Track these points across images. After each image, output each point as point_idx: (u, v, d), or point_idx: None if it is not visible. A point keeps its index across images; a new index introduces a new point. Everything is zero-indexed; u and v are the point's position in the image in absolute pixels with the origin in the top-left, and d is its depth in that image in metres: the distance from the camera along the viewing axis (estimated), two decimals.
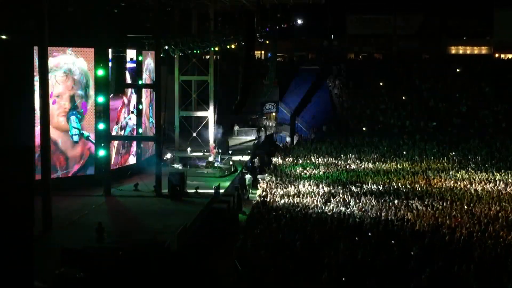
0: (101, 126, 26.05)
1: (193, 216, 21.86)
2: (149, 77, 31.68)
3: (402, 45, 62.00)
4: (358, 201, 24.53)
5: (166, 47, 30.66)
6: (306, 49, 64.93)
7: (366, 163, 34.02)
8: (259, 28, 32.00)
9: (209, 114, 36.57)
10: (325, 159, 35.15)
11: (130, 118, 30.01)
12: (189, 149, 36.24)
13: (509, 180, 29.15)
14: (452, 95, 50.15)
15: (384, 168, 32.62)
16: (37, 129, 21.67)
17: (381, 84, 52.78)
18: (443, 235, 19.53)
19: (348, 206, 23.81)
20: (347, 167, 33.03)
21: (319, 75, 54.92)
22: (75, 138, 26.69)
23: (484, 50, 64.69)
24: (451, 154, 36.48)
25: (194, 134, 38.04)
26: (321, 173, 31.38)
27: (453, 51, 65.07)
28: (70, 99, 26.26)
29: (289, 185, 27.98)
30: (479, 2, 60.08)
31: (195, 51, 33.87)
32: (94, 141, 27.03)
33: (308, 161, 34.68)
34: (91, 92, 26.60)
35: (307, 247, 18.07)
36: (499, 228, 20.31)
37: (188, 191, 26.24)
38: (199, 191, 26.28)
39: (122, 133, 29.20)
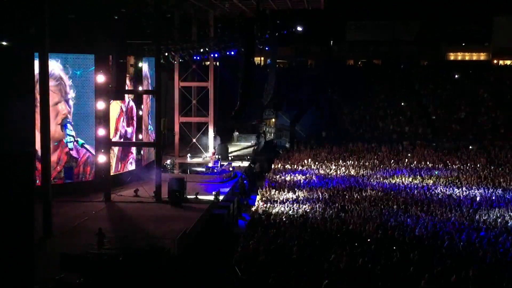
0: (101, 132, 26.13)
1: (193, 221, 21.89)
2: (149, 83, 31.79)
3: (401, 51, 62.20)
4: (357, 207, 24.57)
5: (166, 54, 30.75)
6: (306, 55, 65.10)
7: (365, 169, 34.08)
8: (259, 34, 32.04)
9: (209, 120, 36.64)
10: (325, 165, 35.20)
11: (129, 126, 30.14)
12: (189, 155, 36.30)
13: (508, 186, 29.23)
14: (451, 101, 50.27)
15: (383, 173, 32.68)
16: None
17: (380, 90, 52.90)
18: (442, 241, 19.57)
19: (347, 212, 23.84)
20: (346, 173, 33.06)
21: (318, 81, 55.07)
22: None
23: (482, 56, 64.94)
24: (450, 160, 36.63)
25: (194, 140, 38.09)
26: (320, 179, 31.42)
27: (452, 57, 65.30)
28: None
29: (289, 191, 27.99)
30: (477, 9, 60.32)
31: (195, 57, 33.98)
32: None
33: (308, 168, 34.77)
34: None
35: (307, 253, 18.10)
36: (498, 234, 20.36)
37: (188, 196, 26.29)
38: (199, 196, 26.35)
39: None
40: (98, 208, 24.44)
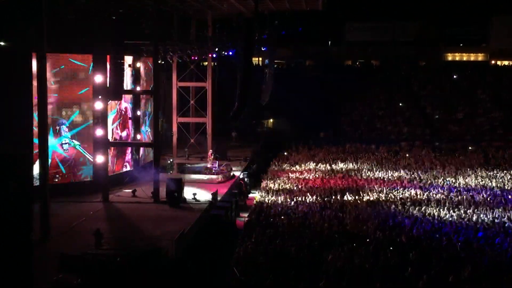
0: (99, 132, 26.09)
1: (191, 222, 21.89)
2: (147, 83, 31.77)
3: (400, 52, 62.28)
4: (355, 207, 24.59)
5: (164, 54, 30.73)
6: (304, 56, 65.19)
7: (363, 170, 34.10)
8: (257, 35, 32.02)
9: (207, 120, 36.60)
10: (323, 166, 35.24)
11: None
12: (187, 155, 36.26)
13: (505, 187, 29.27)
14: (449, 102, 50.36)
15: (381, 175, 32.70)
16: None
17: (378, 90, 52.97)
18: (440, 241, 19.60)
19: (345, 212, 23.85)
20: (345, 173, 33.08)
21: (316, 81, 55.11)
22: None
23: (480, 57, 65.11)
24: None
25: (192, 141, 38.07)
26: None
27: (450, 58, 65.44)
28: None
29: (287, 192, 27.99)
30: (475, 10, 60.47)
31: (193, 58, 33.96)
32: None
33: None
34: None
35: (305, 253, 18.11)
36: (496, 235, 20.38)
37: (186, 197, 26.28)
38: (197, 197, 26.33)
39: None
40: (96, 209, 24.43)
